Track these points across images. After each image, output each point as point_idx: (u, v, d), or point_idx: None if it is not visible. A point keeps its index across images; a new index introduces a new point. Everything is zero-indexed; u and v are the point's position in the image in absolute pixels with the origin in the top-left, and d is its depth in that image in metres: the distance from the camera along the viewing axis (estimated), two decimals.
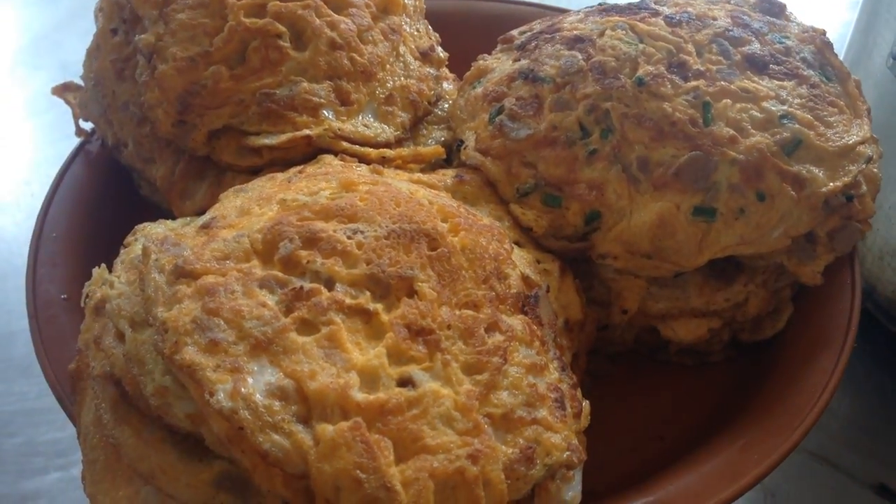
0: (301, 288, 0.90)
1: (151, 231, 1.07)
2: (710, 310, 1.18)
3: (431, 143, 1.34)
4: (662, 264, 1.13)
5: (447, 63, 1.46)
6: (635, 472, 1.11)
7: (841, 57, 1.55)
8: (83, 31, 1.46)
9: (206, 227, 1.00)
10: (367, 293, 0.92)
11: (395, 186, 1.06)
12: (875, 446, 1.44)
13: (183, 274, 0.91)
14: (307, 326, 0.88)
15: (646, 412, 1.21)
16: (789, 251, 1.15)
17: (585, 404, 0.99)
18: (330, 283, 0.92)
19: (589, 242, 1.15)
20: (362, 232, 0.96)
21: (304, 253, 0.93)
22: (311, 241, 0.95)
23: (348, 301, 0.90)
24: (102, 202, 1.42)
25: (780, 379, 1.15)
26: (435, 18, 1.52)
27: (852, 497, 1.38)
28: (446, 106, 1.40)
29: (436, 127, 1.38)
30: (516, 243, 1.12)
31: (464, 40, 1.57)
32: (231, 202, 1.07)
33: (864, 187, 1.17)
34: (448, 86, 1.44)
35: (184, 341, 0.84)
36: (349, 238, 0.95)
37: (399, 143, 1.29)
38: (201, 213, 1.23)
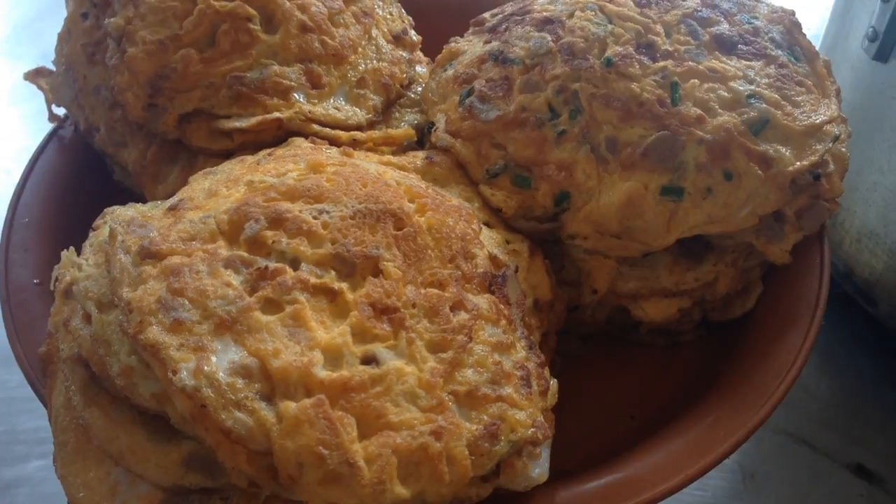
0: (266, 268, 0.90)
1: (120, 214, 1.07)
2: (679, 289, 1.19)
3: (404, 126, 1.34)
4: (631, 244, 1.13)
5: (420, 46, 1.46)
6: (606, 450, 1.12)
7: (819, 41, 1.56)
8: None
9: (173, 208, 1.01)
10: (333, 272, 0.92)
11: (363, 167, 1.06)
12: (853, 427, 1.45)
13: (148, 255, 0.92)
14: (272, 305, 0.88)
15: (617, 391, 1.22)
16: (757, 230, 1.16)
17: (553, 382, 0.99)
18: (295, 263, 0.92)
19: (558, 223, 1.15)
20: (328, 212, 0.97)
21: (269, 233, 0.94)
22: (277, 221, 0.95)
23: (313, 280, 0.90)
24: (75, 187, 1.42)
25: (749, 357, 1.16)
26: (408, 2, 1.52)
27: (830, 477, 1.39)
28: (419, 89, 1.40)
29: (408, 110, 1.38)
30: (486, 224, 1.13)
31: (437, 24, 1.57)
32: (199, 184, 1.07)
33: (832, 166, 1.17)
34: (421, 69, 1.44)
35: (148, 321, 0.85)
36: (315, 218, 0.96)
37: (371, 126, 1.29)
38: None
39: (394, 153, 1.24)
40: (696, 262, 1.19)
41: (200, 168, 1.23)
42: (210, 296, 0.87)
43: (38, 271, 1.25)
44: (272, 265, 0.91)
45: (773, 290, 1.24)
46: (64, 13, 1.43)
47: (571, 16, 1.23)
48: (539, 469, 0.93)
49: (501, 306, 0.99)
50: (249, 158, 1.13)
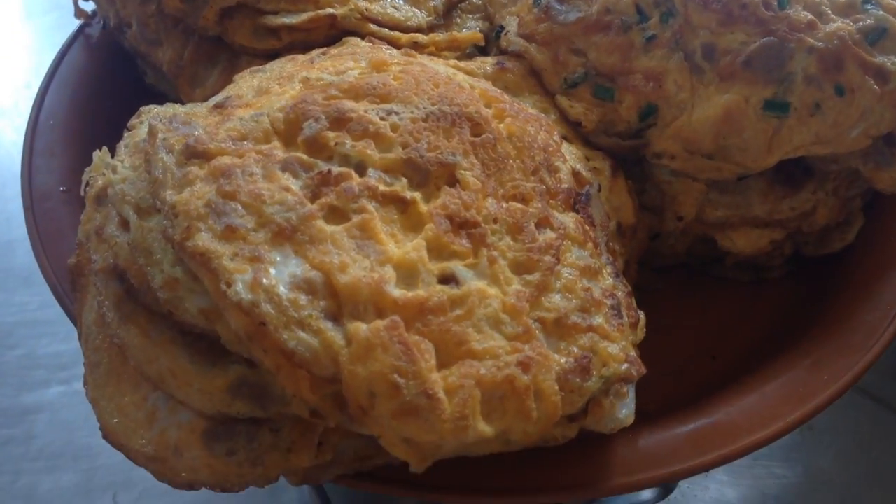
0: (329, 172, 0.79)
1: (159, 111, 0.96)
2: (773, 219, 1.08)
3: (466, 32, 1.22)
4: (725, 165, 1.02)
5: None
6: (686, 392, 1.02)
7: None
8: None
9: (219, 106, 0.89)
10: (404, 180, 0.81)
11: (433, 67, 0.94)
12: None
13: (195, 154, 0.81)
14: (336, 214, 0.77)
15: (696, 330, 1.11)
16: (866, 154, 1.04)
17: (641, 315, 0.89)
18: (361, 168, 0.81)
19: (643, 140, 1.04)
20: (397, 113, 0.85)
21: (331, 134, 0.82)
22: (340, 121, 0.83)
23: (382, 188, 0.79)
24: (103, 90, 1.30)
25: (849, 296, 1.05)
26: None
27: (893, 429, 1.32)
28: None
29: (470, 16, 1.25)
30: (563, 139, 1.01)
31: None
32: (247, 82, 0.96)
33: None
34: None
35: (196, 227, 0.74)
36: (382, 119, 0.84)
37: (431, 30, 1.17)
38: None
39: (458, 59, 1.12)
40: (793, 188, 1.07)
41: (243, 70, 1.12)
42: (266, 201, 0.76)
43: (64, 178, 1.15)
44: (336, 169, 0.79)
45: (874, 224, 1.13)
46: None
47: None
48: (626, 410, 0.83)
49: (587, 227, 0.87)
50: (301, 57, 1.01)
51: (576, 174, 0.92)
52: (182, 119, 0.86)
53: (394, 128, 0.84)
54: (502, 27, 1.13)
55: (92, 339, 0.88)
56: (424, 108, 0.86)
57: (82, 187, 0.94)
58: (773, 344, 1.06)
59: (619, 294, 0.86)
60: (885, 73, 1.00)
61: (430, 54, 1.11)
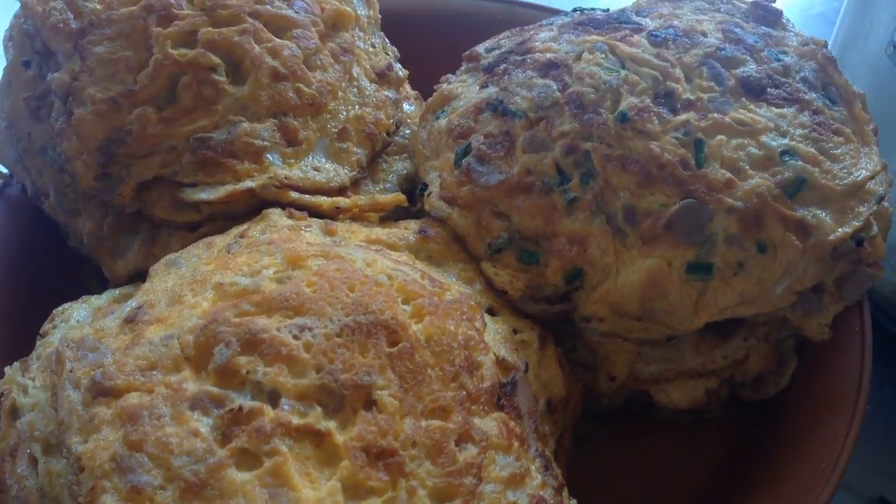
0: (240, 409, 0.77)
1: (71, 315, 0.94)
2: (706, 369, 1.07)
3: (392, 177, 1.20)
4: (654, 326, 1.01)
5: (407, 79, 1.31)
6: None
7: (832, 39, 1.41)
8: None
9: (131, 321, 0.87)
10: (318, 409, 0.79)
11: (350, 261, 0.92)
12: (874, 457, 1.33)
13: (102, 392, 0.78)
14: (248, 458, 0.76)
15: (639, 480, 1.11)
16: (793, 303, 1.03)
17: None
18: (274, 398, 0.79)
19: (571, 303, 1.02)
20: (310, 329, 0.83)
21: (243, 360, 0.80)
22: (252, 344, 0.81)
23: (295, 421, 0.77)
24: (28, 255, 1.25)
25: (785, 452, 1.04)
26: (392, 20, 1.36)
27: None
28: (408, 132, 1.25)
29: (397, 158, 1.23)
30: (489, 311, 1.00)
31: (425, 43, 1.42)
32: (161, 282, 0.93)
33: (875, 228, 1.04)
34: (409, 107, 1.29)
35: (101, 487, 0.72)
36: (295, 338, 0.82)
37: (356, 183, 1.15)
38: (135, 273, 1.10)
39: (382, 218, 1.10)
40: (724, 337, 1.07)
41: (164, 241, 1.10)
42: (174, 451, 0.74)
43: None
44: (247, 405, 0.77)
45: (808, 364, 1.12)
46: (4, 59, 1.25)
47: (579, 58, 1.09)
48: None
49: (512, 424, 0.86)
50: (219, 242, 0.99)
51: (500, 362, 0.91)
52: (91, 344, 0.84)
53: (307, 347, 0.82)
54: (425, 185, 1.11)
55: None
56: (339, 320, 0.84)
57: None
58: (716, 495, 1.05)
59: (548, 493, 0.84)
60: (807, 227, 0.99)
61: (354, 217, 1.09)
